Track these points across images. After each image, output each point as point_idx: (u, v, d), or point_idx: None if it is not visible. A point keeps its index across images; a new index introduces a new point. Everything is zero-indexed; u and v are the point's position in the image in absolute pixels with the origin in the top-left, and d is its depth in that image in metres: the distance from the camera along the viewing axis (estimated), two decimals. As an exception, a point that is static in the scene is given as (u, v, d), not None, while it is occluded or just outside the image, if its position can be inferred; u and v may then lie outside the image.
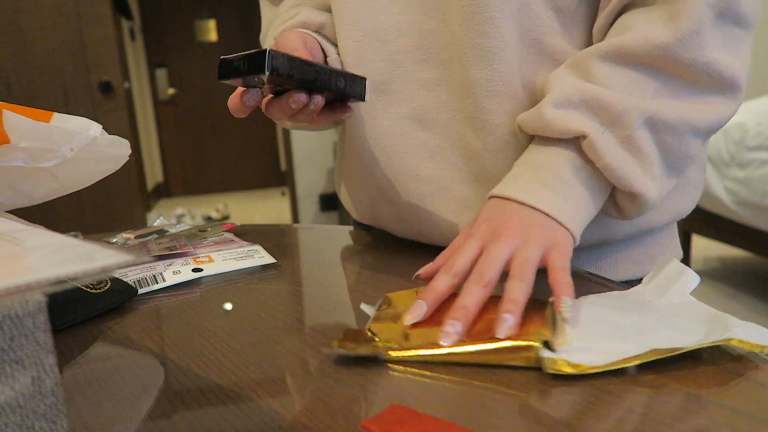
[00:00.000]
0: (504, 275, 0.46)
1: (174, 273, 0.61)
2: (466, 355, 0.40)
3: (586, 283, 0.53)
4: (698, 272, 2.89)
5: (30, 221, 0.47)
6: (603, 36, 0.55)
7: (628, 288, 0.51)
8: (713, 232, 2.65)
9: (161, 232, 0.76)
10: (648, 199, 0.52)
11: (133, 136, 3.36)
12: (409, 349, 0.41)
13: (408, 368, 0.40)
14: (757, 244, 2.40)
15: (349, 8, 0.62)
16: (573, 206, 0.50)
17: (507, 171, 0.55)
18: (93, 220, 2.93)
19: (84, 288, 0.52)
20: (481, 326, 0.43)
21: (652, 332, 0.41)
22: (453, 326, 0.42)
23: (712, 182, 2.53)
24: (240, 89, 0.55)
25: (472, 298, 0.44)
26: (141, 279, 0.59)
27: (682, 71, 0.50)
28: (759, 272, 2.87)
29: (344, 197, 0.77)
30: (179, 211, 5.30)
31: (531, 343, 0.39)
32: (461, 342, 0.41)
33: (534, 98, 0.56)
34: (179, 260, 0.65)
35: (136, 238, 0.74)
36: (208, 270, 0.63)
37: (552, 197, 0.50)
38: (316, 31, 0.66)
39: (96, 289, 0.53)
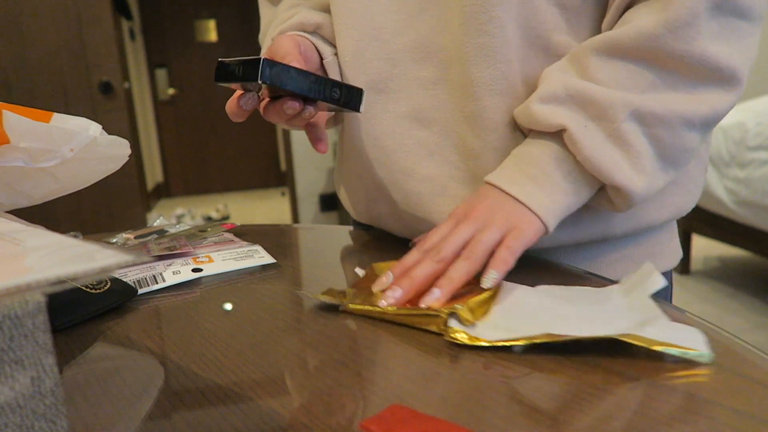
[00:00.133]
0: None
1: (174, 273, 0.61)
2: (392, 314, 0.47)
3: (586, 283, 0.53)
4: (698, 272, 2.90)
5: (30, 221, 0.47)
6: None
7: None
8: (713, 231, 2.65)
9: (161, 233, 0.76)
10: (634, 192, 0.52)
11: (133, 136, 3.36)
12: (358, 304, 0.49)
13: (408, 367, 0.40)
14: (756, 243, 2.40)
15: (348, 7, 0.62)
16: (550, 196, 0.52)
17: None
18: (93, 220, 2.93)
19: (84, 288, 0.52)
20: (420, 295, 0.48)
21: (563, 319, 0.44)
22: (394, 292, 0.48)
23: (712, 182, 2.53)
24: (238, 93, 0.56)
25: (421, 270, 0.49)
26: (141, 279, 0.59)
27: (676, 63, 0.50)
28: (759, 272, 2.87)
29: (343, 197, 0.77)
30: (179, 211, 5.30)
31: (440, 312, 0.44)
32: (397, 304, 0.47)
33: None
34: (179, 260, 0.65)
35: (136, 238, 0.74)
36: (208, 270, 0.63)
37: (531, 187, 0.52)
38: (313, 32, 0.66)
39: (96, 290, 0.53)
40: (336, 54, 0.65)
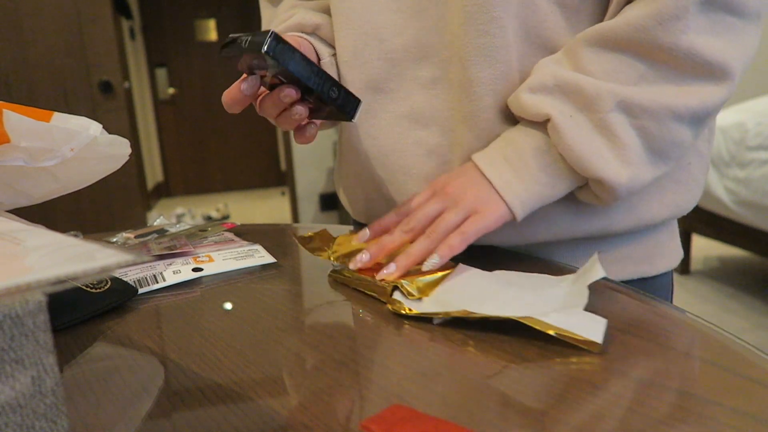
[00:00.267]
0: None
1: (174, 272, 0.61)
2: (351, 278, 0.55)
3: (586, 283, 0.53)
4: (698, 272, 2.90)
5: (30, 221, 0.47)
6: None
7: (629, 289, 0.51)
8: (713, 231, 2.65)
9: (161, 232, 0.76)
10: (616, 184, 0.52)
11: (133, 135, 3.36)
12: (338, 259, 0.57)
13: (408, 367, 0.40)
14: (756, 244, 2.41)
15: (347, 7, 0.62)
16: (523, 185, 0.53)
17: None
18: (93, 219, 2.93)
19: (84, 288, 0.52)
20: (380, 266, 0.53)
21: (492, 300, 0.48)
22: (363, 255, 0.53)
23: (712, 182, 2.53)
24: (240, 79, 0.56)
25: (391, 238, 0.54)
26: (141, 278, 0.59)
27: (665, 56, 0.50)
28: (759, 272, 2.87)
29: (343, 196, 0.77)
30: (179, 210, 5.30)
31: (386, 284, 0.51)
32: (366, 271, 0.53)
33: None
34: (179, 260, 0.65)
35: (136, 237, 0.74)
36: (208, 269, 0.63)
37: (505, 171, 0.54)
38: (312, 33, 0.66)
39: (96, 289, 0.53)
40: (334, 55, 0.65)
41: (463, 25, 0.55)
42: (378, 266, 0.53)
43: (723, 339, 0.42)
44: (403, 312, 0.48)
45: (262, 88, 0.57)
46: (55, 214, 2.72)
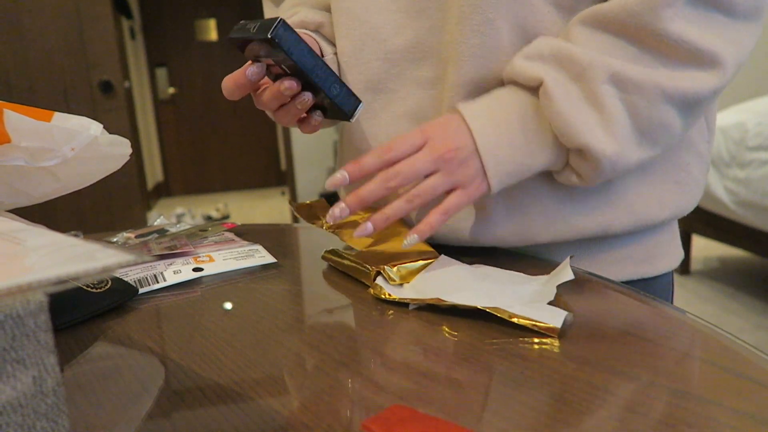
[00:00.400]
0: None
1: (174, 272, 0.61)
2: (340, 262, 0.59)
3: (587, 284, 0.53)
4: (698, 272, 2.90)
5: (30, 220, 0.47)
6: None
7: (629, 289, 0.51)
8: (713, 232, 2.65)
9: (162, 232, 0.76)
10: (602, 155, 0.52)
11: (133, 135, 3.36)
12: (326, 228, 0.64)
13: (408, 367, 0.40)
14: (757, 244, 2.41)
15: (346, 7, 0.62)
16: (500, 140, 0.53)
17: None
18: (93, 219, 2.93)
19: (85, 287, 0.52)
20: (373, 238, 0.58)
21: (466, 291, 0.49)
22: (338, 209, 0.52)
23: (712, 182, 2.53)
24: (244, 66, 0.55)
25: (369, 190, 0.52)
26: (141, 278, 0.59)
27: (656, 41, 0.50)
28: (759, 272, 2.87)
29: (343, 196, 0.77)
30: (179, 210, 5.30)
31: (369, 269, 0.54)
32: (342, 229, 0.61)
33: None
34: (180, 260, 0.65)
35: (136, 237, 0.74)
36: (209, 269, 0.63)
37: (489, 126, 0.53)
38: (315, 30, 0.67)
39: (97, 289, 0.53)
40: (336, 53, 0.65)
41: (458, 24, 0.55)
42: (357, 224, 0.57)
43: (723, 339, 0.42)
44: (383, 297, 0.51)
45: (266, 79, 0.57)
46: (55, 214, 2.72)
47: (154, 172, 6.33)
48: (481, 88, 0.56)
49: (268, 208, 5.82)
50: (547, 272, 0.52)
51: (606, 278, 0.56)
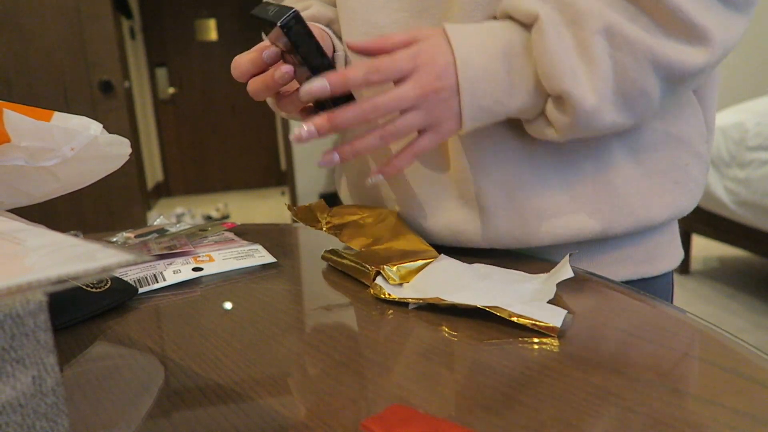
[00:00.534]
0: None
1: (174, 272, 0.61)
2: (340, 262, 0.60)
3: (587, 283, 0.53)
4: (698, 272, 2.89)
5: (30, 220, 0.47)
6: None
7: (629, 289, 0.51)
8: (713, 232, 2.65)
9: (161, 232, 0.76)
10: (581, 105, 0.51)
11: (133, 135, 3.36)
12: (325, 228, 0.64)
13: (408, 367, 0.40)
14: (756, 244, 2.41)
15: (348, 6, 0.62)
16: (482, 73, 0.51)
17: (503, 169, 0.56)
18: (93, 219, 2.93)
19: (84, 287, 0.52)
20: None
21: (465, 290, 0.49)
22: (308, 128, 0.51)
23: (712, 182, 2.53)
24: (260, 44, 0.56)
25: (345, 118, 0.51)
26: (141, 278, 0.59)
27: (655, 6, 0.50)
28: (759, 272, 2.87)
29: (344, 196, 0.77)
30: (179, 210, 5.30)
31: (369, 269, 0.54)
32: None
33: None
34: (179, 259, 0.65)
35: (136, 237, 0.74)
36: (209, 269, 0.63)
37: (475, 55, 0.51)
38: (326, 25, 0.67)
39: (96, 289, 0.53)
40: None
41: (461, 23, 0.55)
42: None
43: (723, 339, 0.42)
44: (383, 297, 0.51)
45: (290, 84, 0.57)
46: (55, 214, 2.72)
47: (154, 172, 6.33)
48: None
49: (268, 208, 5.82)
50: (547, 271, 0.52)
51: (606, 278, 0.56)
